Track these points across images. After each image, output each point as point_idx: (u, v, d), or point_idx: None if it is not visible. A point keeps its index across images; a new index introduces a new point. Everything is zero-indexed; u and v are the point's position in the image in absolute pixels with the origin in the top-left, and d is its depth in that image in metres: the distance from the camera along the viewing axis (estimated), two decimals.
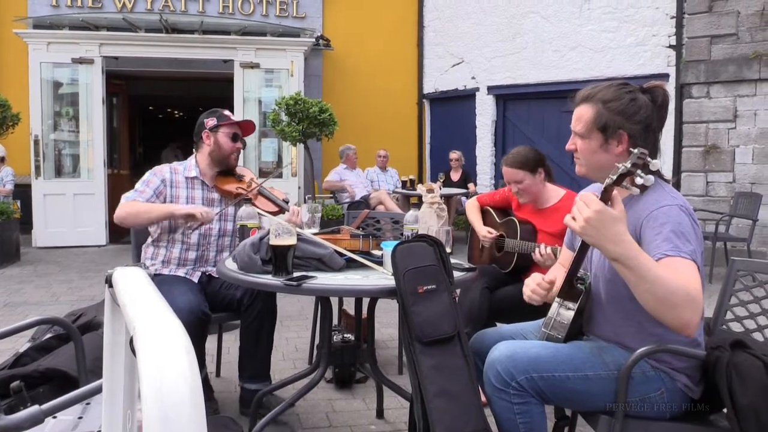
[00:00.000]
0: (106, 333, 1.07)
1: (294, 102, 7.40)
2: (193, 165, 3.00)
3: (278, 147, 8.89)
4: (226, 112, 3.06)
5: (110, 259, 7.35)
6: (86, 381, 1.85)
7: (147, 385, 0.61)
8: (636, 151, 1.56)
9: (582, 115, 1.84)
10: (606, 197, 1.57)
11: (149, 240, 2.97)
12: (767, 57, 6.91)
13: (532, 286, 1.93)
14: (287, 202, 3.08)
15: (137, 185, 2.92)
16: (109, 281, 1.05)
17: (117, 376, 1.02)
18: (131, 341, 0.74)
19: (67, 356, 2.17)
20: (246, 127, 3.11)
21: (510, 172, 3.05)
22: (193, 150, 3.09)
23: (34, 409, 1.17)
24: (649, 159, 1.55)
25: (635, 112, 1.78)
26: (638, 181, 1.55)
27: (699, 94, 7.39)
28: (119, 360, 1.02)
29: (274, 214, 2.96)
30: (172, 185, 2.92)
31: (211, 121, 2.99)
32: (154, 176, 2.92)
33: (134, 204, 2.82)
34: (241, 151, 3.08)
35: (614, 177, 1.57)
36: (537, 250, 2.84)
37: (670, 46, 7.54)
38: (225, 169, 3.03)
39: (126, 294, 0.91)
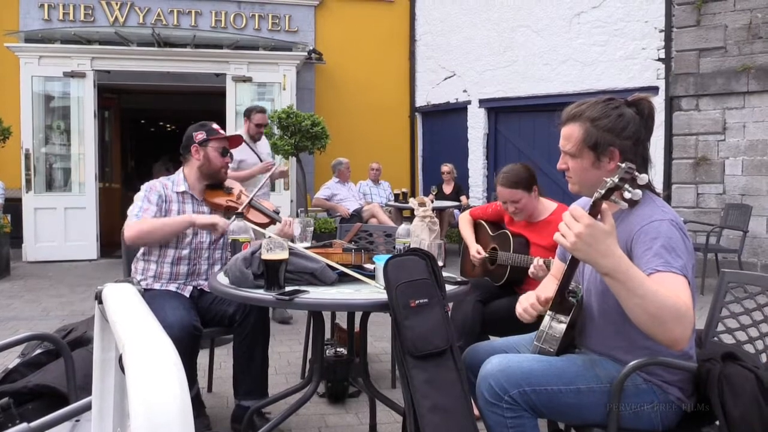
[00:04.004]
0: (96, 350, 1.06)
1: (286, 115, 7.39)
2: (182, 179, 2.99)
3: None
4: (215, 126, 3.04)
5: (102, 274, 7.31)
6: (76, 398, 1.84)
7: (136, 404, 0.60)
8: (623, 165, 1.56)
9: (571, 134, 1.85)
10: (594, 212, 1.57)
11: (139, 254, 2.95)
12: (755, 70, 6.99)
13: (524, 305, 1.93)
14: (278, 213, 3.08)
15: (138, 203, 2.86)
16: (98, 297, 1.05)
17: (106, 394, 1.01)
18: (120, 359, 0.74)
19: (57, 373, 2.15)
20: (234, 141, 3.12)
21: (507, 193, 3.02)
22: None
23: (23, 426, 1.16)
24: (636, 173, 1.55)
25: (624, 128, 1.79)
26: (626, 195, 1.55)
27: (688, 106, 7.46)
28: (109, 377, 1.01)
29: (266, 225, 2.96)
30: (165, 200, 2.91)
31: (200, 135, 2.97)
32: (151, 191, 2.89)
33: (147, 221, 2.77)
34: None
35: (602, 191, 1.57)
36: (532, 265, 2.85)
37: (659, 60, 7.61)
38: (215, 182, 3.02)
39: (115, 311, 0.90)
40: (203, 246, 2.94)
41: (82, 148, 8.28)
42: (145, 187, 2.94)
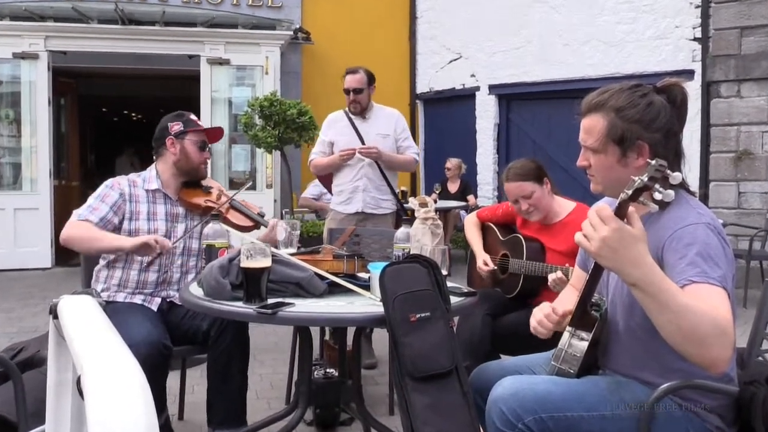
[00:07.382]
0: (50, 371, 1.07)
1: (269, 103, 7.42)
2: (154, 176, 3.00)
3: (251, 155, 8.88)
4: (193, 117, 3.07)
5: (57, 285, 7.29)
6: (26, 426, 1.83)
7: None
8: (654, 162, 1.56)
9: (593, 126, 1.84)
10: (621, 214, 1.56)
11: (102, 261, 2.95)
12: None
13: (539, 317, 1.93)
14: (263, 216, 3.09)
15: (90, 200, 2.90)
16: (54, 312, 1.05)
17: (62, 421, 1.02)
18: (78, 381, 0.74)
19: (5, 398, 2.15)
20: (213, 134, 3.13)
21: (515, 187, 3.03)
22: (153, 158, 3.08)
23: None
24: (668, 171, 1.55)
25: (654, 119, 1.79)
26: (657, 196, 1.55)
27: (728, 92, 7.47)
28: (65, 402, 1.01)
29: (250, 229, 2.97)
30: (131, 200, 2.92)
31: (176, 126, 2.99)
32: (111, 189, 2.91)
33: (85, 226, 2.80)
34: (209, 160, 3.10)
35: (630, 192, 1.57)
36: (551, 277, 2.85)
37: (695, 39, 7.63)
38: (192, 180, 3.04)
39: (73, 327, 0.90)
40: (175, 252, 2.94)
41: (34, 141, 8.27)
42: (107, 183, 2.96)
